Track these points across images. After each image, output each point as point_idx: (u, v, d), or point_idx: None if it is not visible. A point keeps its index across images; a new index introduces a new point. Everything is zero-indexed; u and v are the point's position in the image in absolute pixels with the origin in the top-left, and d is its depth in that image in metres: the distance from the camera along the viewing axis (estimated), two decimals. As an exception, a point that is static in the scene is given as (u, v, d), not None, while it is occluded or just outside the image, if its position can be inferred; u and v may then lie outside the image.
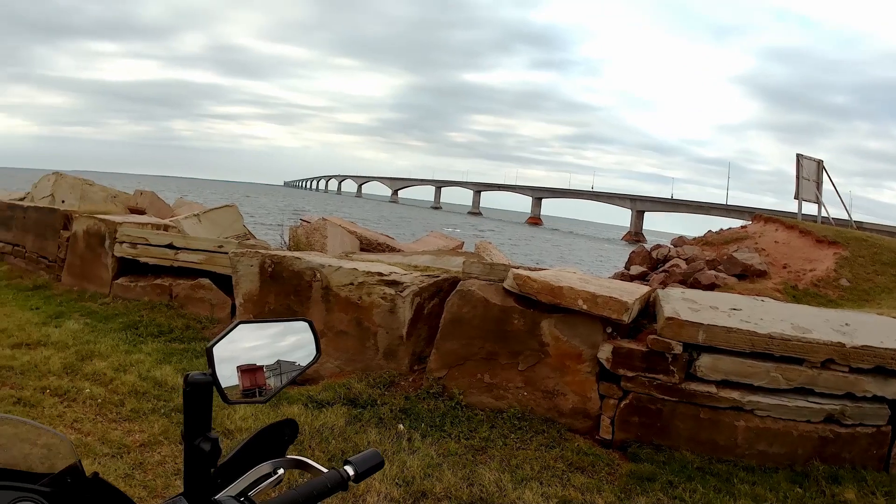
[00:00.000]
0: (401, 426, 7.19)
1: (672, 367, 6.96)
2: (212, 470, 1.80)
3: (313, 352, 2.20)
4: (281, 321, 2.18)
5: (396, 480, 6.00)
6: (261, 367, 2.02)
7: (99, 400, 7.43)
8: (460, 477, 6.19)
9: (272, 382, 2.05)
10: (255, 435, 1.96)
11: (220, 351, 1.88)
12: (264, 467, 1.93)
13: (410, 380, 8.20)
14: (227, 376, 1.89)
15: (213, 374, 1.82)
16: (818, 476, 6.58)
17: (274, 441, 2.01)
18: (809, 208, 31.94)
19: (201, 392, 1.79)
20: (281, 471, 1.96)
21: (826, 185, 32.61)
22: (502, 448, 6.92)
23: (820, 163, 32.43)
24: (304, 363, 2.17)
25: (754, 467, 6.75)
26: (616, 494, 6.16)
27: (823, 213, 31.91)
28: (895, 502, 6.32)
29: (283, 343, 2.14)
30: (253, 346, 2.04)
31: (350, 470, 1.91)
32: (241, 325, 1.98)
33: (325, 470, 1.89)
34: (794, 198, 31.21)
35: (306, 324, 2.22)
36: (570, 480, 6.37)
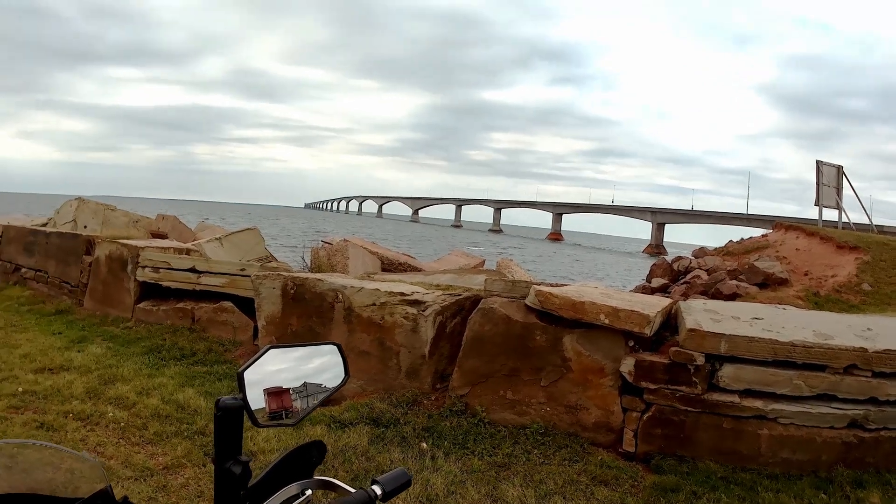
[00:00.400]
0: (424, 444, 7.19)
1: (695, 379, 6.94)
2: (241, 492, 1.82)
3: (341, 374, 2.22)
4: (309, 345, 2.20)
5: (420, 499, 6.01)
6: (287, 390, 2.04)
7: (122, 424, 7.46)
8: (484, 493, 6.20)
9: (299, 405, 2.07)
10: (283, 456, 1.98)
11: (252, 374, 1.91)
12: (292, 488, 1.94)
13: (433, 398, 8.20)
14: (254, 399, 1.92)
15: (244, 398, 1.85)
16: (843, 481, 6.56)
17: (302, 462, 2.02)
18: (830, 214, 31.83)
19: (232, 416, 1.82)
20: (309, 492, 1.97)
21: (846, 190, 32.51)
22: (525, 464, 6.91)
23: (840, 168, 32.33)
24: (331, 385, 2.19)
25: (778, 475, 6.73)
26: (640, 507, 6.13)
27: (844, 219, 31.79)
28: None
29: (309, 366, 2.17)
30: (278, 369, 2.07)
31: (378, 489, 1.92)
32: (271, 350, 2.01)
33: (352, 490, 1.91)
34: (815, 204, 31.14)
35: (335, 346, 2.25)
36: (594, 494, 6.36)
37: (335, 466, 6.57)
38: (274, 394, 2.00)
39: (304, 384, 2.12)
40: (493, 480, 6.52)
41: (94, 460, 1.87)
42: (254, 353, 2.10)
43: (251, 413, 1.86)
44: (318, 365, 2.20)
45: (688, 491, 6.41)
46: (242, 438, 1.84)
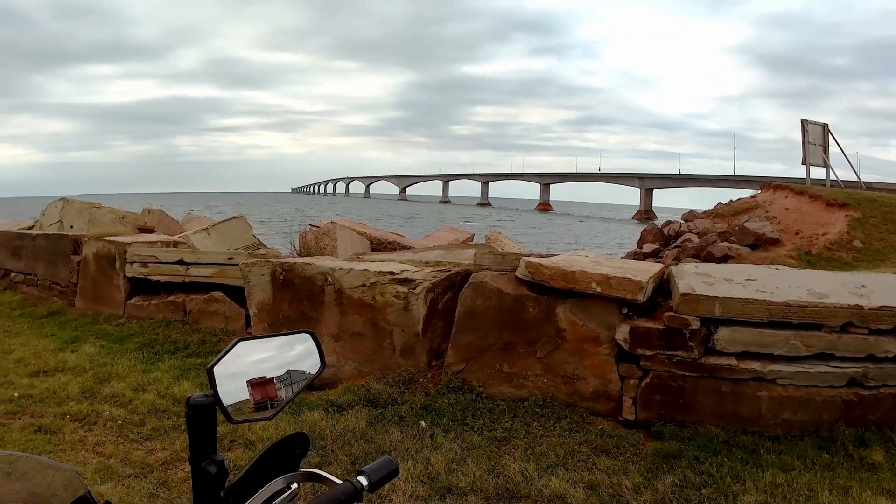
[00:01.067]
0: (422, 423, 7.17)
1: (690, 343, 6.94)
2: (221, 492, 1.77)
3: (317, 363, 2.17)
4: (282, 335, 2.15)
5: (421, 478, 5.99)
6: (271, 379, 1.99)
7: (119, 421, 7.43)
8: (485, 469, 6.18)
9: (283, 393, 2.02)
10: (265, 451, 1.93)
11: (222, 370, 1.85)
12: (277, 483, 1.89)
13: (429, 376, 8.19)
14: (236, 392, 1.86)
15: (216, 394, 1.80)
16: (844, 440, 6.57)
17: (286, 455, 1.97)
18: (818, 173, 31.95)
19: (204, 414, 1.77)
20: (295, 485, 1.92)
21: (833, 148, 32.64)
22: (525, 437, 6.90)
23: (825, 126, 32.40)
24: (312, 372, 2.14)
25: (780, 436, 6.74)
26: (643, 474, 6.14)
27: (832, 177, 31.92)
28: None
29: (292, 353, 2.12)
30: (260, 358, 2.01)
31: (364, 480, 1.87)
32: (240, 343, 1.96)
33: (339, 482, 1.86)
34: (802, 163, 31.25)
35: (308, 335, 2.19)
36: (596, 464, 6.35)
37: (335, 450, 6.55)
38: (258, 384, 1.95)
39: (288, 372, 2.07)
40: (494, 455, 6.51)
41: (70, 468, 1.82)
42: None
43: (224, 409, 1.81)
44: (301, 351, 2.15)
45: (690, 456, 6.41)
46: (216, 435, 1.80)
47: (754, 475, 6.04)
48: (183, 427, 7.11)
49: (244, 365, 1.93)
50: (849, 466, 6.22)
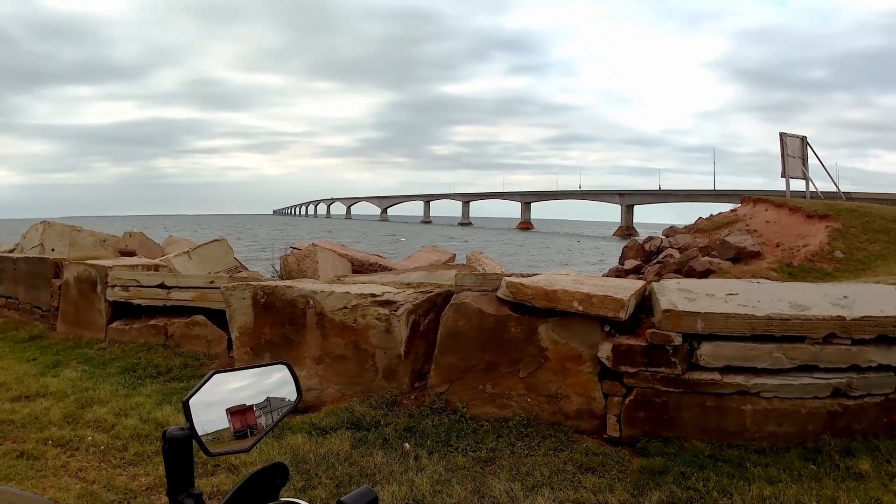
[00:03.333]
0: (406, 445, 7.14)
1: (674, 359, 6.94)
2: None
3: (293, 392, 2.15)
4: (258, 366, 2.15)
5: (406, 500, 5.96)
6: (251, 407, 1.98)
7: (102, 447, 7.37)
8: (470, 490, 6.15)
9: (263, 421, 2.01)
10: (244, 481, 1.91)
11: (198, 400, 1.84)
12: None
13: (412, 397, 8.16)
14: (216, 420, 1.86)
15: (192, 426, 1.78)
16: (831, 451, 6.59)
17: (265, 485, 1.96)
18: (797, 185, 32.21)
19: (181, 447, 1.76)
20: None
21: (812, 160, 32.85)
22: (510, 457, 6.87)
23: (804, 139, 32.63)
24: (291, 400, 2.13)
25: (766, 449, 6.75)
26: (629, 492, 6.13)
27: (812, 188, 32.09)
28: None
29: (269, 381, 2.11)
30: (239, 386, 2.00)
31: None
32: (216, 375, 1.95)
33: None
34: (781, 176, 31.48)
35: (284, 366, 2.18)
36: (582, 482, 6.33)
37: (319, 474, 6.50)
38: (237, 413, 1.94)
39: (268, 399, 2.06)
40: (479, 476, 6.47)
41: (45, 500, 1.81)
42: (230, 365, 2.04)
43: (200, 442, 1.79)
44: (278, 379, 2.14)
45: (676, 472, 6.39)
46: (193, 469, 1.78)
47: (741, 489, 6.03)
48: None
49: (223, 393, 1.93)
50: (836, 476, 6.23)
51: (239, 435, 1.94)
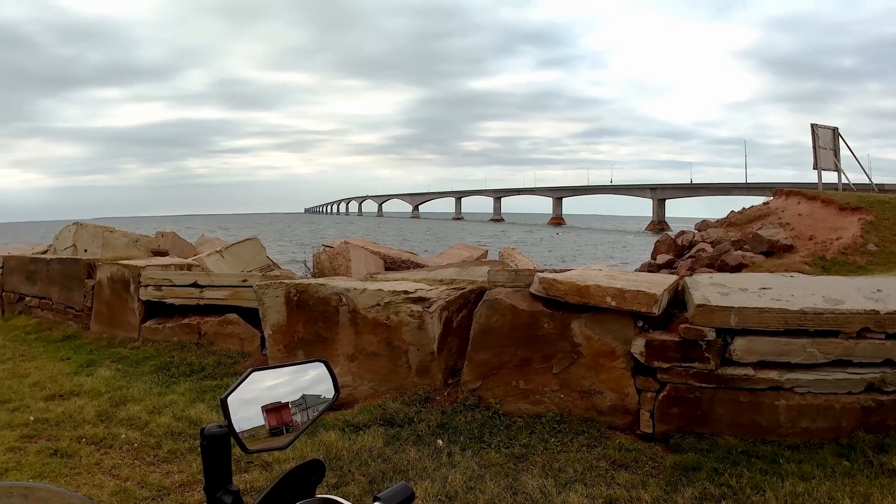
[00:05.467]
0: (440, 441, 7.15)
1: (707, 354, 6.91)
2: None
3: (331, 389, 2.16)
4: (294, 364, 2.15)
5: (439, 496, 5.97)
6: (286, 405, 1.99)
7: (135, 444, 7.43)
8: (503, 487, 6.14)
9: (299, 418, 2.01)
10: (281, 477, 1.92)
11: (236, 398, 1.85)
12: None
13: (445, 394, 8.17)
14: (251, 418, 1.86)
15: (230, 424, 1.79)
16: (864, 447, 6.53)
17: (302, 481, 1.96)
18: (829, 177, 31.88)
19: (219, 444, 1.77)
20: None
21: (843, 151, 32.54)
22: (543, 453, 6.86)
23: (835, 130, 32.35)
24: (328, 398, 2.13)
25: (799, 445, 6.69)
26: (662, 488, 6.10)
27: (844, 180, 31.83)
28: None
29: (305, 378, 2.11)
30: (274, 384, 2.01)
31: None
32: (253, 373, 1.95)
33: None
34: (813, 168, 31.20)
35: (321, 363, 2.18)
36: (615, 478, 6.31)
37: (352, 470, 6.53)
38: (272, 410, 1.95)
39: (303, 396, 2.06)
40: (512, 472, 6.47)
41: (81, 496, 1.81)
42: (263, 363, 2.05)
43: (238, 439, 1.80)
44: (314, 377, 2.14)
45: (709, 468, 6.36)
46: (231, 465, 1.79)
47: (774, 485, 5.99)
48: (199, 449, 7.13)
49: (258, 391, 1.93)
50: (869, 473, 6.17)
51: (274, 432, 1.94)
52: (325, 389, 2.15)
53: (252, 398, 1.90)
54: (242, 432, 1.83)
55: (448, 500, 5.94)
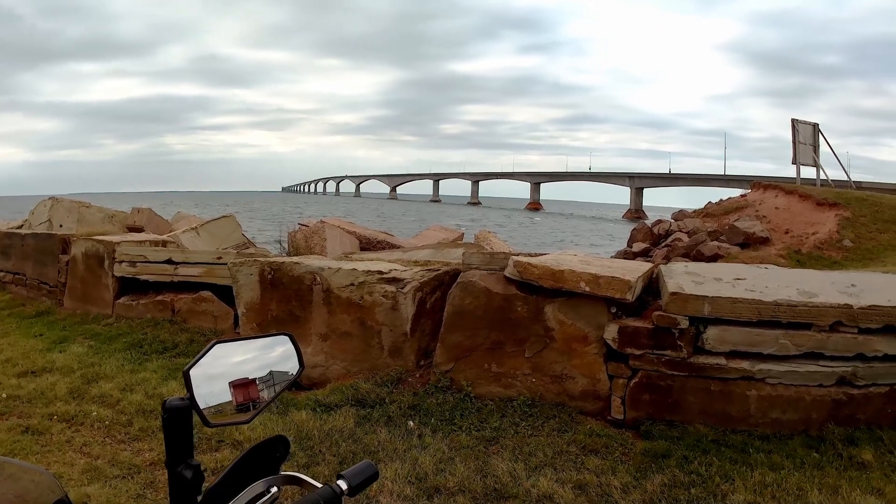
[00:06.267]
0: (410, 423, 7.16)
1: (679, 342, 6.94)
2: (198, 497, 1.74)
3: (296, 365, 2.14)
4: (260, 337, 2.12)
5: (409, 478, 5.97)
6: (253, 381, 1.97)
7: (107, 422, 7.39)
8: (473, 469, 6.15)
9: (266, 394, 2.00)
10: (245, 454, 1.90)
11: (200, 372, 1.83)
12: (258, 486, 1.87)
13: (417, 375, 8.16)
14: (218, 394, 1.84)
15: (191, 397, 1.77)
16: (834, 439, 6.59)
17: (266, 458, 1.95)
18: (808, 172, 32.18)
19: (180, 417, 1.74)
20: (275, 489, 1.89)
21: (823, 147, 32.82)
22: (514, 437, 6.89)
23: (815, 126, 32.59)
24: (292, 374, 2.12)
25: (769, 435, 6.75)
26: (631, 474, 6.14)
27: (822, 176, 32.11)
28: None
29: (272, 354, 2.09)
30: (242, 360, 1.99)
31: (343, 484, 1.85)
32: (216, 346, 1.93)
33: (318, 485, 1.84)
34: (792, 163, 31.45)
35: (287, 337, 2.16)
36: (585, 463, 6.34)
37: (322, 451, 6.53)
38: (240, 386, 1.93)
39: (270, 373, 2.05)
40: (482, 455, 6.48)
41: (47, 472, 1.80)
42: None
43: (200, 413, 1.78)
44: (282, 353, 2.13)
45: (679, 456, 6.41)
46: (193, 439, 1.77)
47: (743, 474, 6.04)
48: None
49: (226, 366, 1.91)
50: (838, 465, 6.23)
51: (241, 408, 1.92)
52: (291, 366, 2.14)
53: (219, 373, 1.88)
54: (208, 408, 1.81)
55: (418, 482, 5.94)
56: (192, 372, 1.79)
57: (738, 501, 5.62)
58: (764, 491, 5.78)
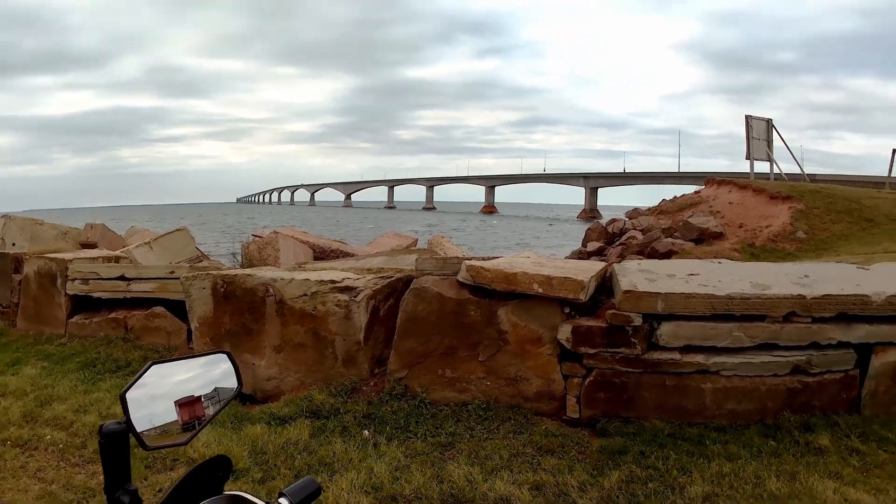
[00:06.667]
0: (366, 432, 7.12)
1: (633, 339, 6.98)
2: None
3: (235, 383, 2.11)
4: (198, 356, 2.12)
5: (365, 488, 5.92)
6: (199, 398, 1.94)
7: (61, 445, 7.29)
8: (429, 476, 6.12)
9: (211, 412, 1.98)
10: (186, 476, 1.88)
11: (141, 393, 1.80)
12: None
13: (372, 384, 8.14)
14: (163, 413, 1.82)
15: (128, 421, 1.74)
16: (790, 427, 6.69)
17: (209, 479, 1.92)
18: (762, 167, 32.47)
19: (117, 442, 1.71)
20: None
21: (777, 142, 33.16)
22: (469, 441, 6.88)
23: (769, 122, 32.96)
24: (233, 392, 2.10)
25: (725, 427, 6.83)
26: (588, 472, 6.15)
27: (776, 170, 32.40)
28: (869, 442, 6.43)
29: (217, 370, 2.08)
30: (186, 378, 1.97)
31: (285, 502, 1.83)
32: (153, 367, 1.90)
33: (262, 503, 1.81)
34: (746, 158, 31.80)
35: (224, 355, 2.15)
36: (541, 464, 6.34)
37: (277, 465, 6.48)
38: (186, 404, 1.90)
39: (216, 389, 2.02)
40: (438, 461, 6.46)
41: (2, 501, 1.77)
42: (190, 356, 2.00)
43: (137, 436, 1.75)
44: (225, 370, 2.10)
45: (635, 451, 6.44)
46: (130, 464, 1.73)
47: (701, 466, 6.10)
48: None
49: (170, 385, 1.89)
50: (795, 452, 6.32)
51: (187, 427, 1.90)
52: (231, 382, 2.11)
53: (163, 393, 1.87)
54: (154, 428, 1.79)
55: (374, 491, 5.90)
56: (129, 395, 1.76)
57: (695, 493, 5.65)
58: (721, 481, 5.84)
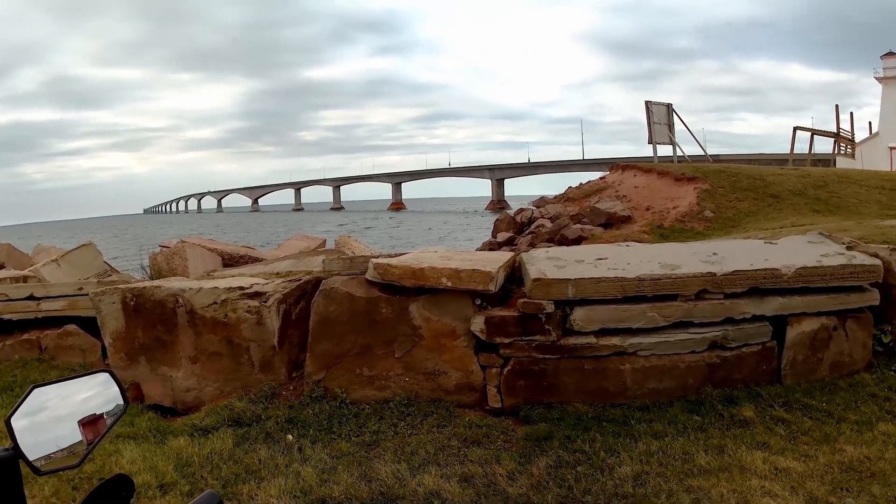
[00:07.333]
0: (289, 437, 7.06)
1: (547, 326, 7.06)
2: None
3: (121, 401, 2.10)
4: (81, 375, 2.08)
5: (293, 492, 5.89)
6: (101, 416, 1.92)
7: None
8: (357, 476, 6.12)
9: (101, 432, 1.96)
10: (86, 498, 1.85)
11: (20, 422, 1.77)
12: None
13: (291, 388, 8.08)
14: (68, 434, 1.80)
15: (16, 446, 1.71)
16: (713, 401, 6.85)
17: (112, 499, 1.89)
18: (665, 150, 32.81)
19: (5, 469, 1.68)
20: None
21: (678, 125, 33.54)
22: (394, 438, 6.87)
23: (669, 106, 33.35)
24: (113, 416, 2.07)
25: (649, 406, 6.96)
26: (516, 460, 6.20)
27: (679, 153, 32.77)
28: (793, 410, 6.62)
29: (100, 390, 2.05)
30: (89, 395, 1.95)
31: None
32: (35, 390, 1.88)
33: None
34: (649, 142, 32.19)
35: (107, 373, 2.12)
36: (468, 456, 6.37)
37: (204, 476, 6.37)
38: (89, 423, 1.89)
39: (118, 405, 2.01)
40: (365, 460, 6.45)
41: None
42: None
43: (27, 461, 1.72)
44: (97, 394, 2.08)
45: (561, 436, 6.51)
46: (23, 490, 1.70)
47: (628, 446, 6.19)
48: (47, 476, 6.87)
49: (74, 404, 1.87)
50: (720, 426, 6.47)
51: (93, 445, 1.88)
52: (117, 400, 2.09)
53: (66, 414, 1.84)
54: (61, 450, 1.77)
55: (303, 496, 5.88)
56: (13, 420, 1.73)
57: (625, 473, 5.73)
58: (650, 460, 5.93)
